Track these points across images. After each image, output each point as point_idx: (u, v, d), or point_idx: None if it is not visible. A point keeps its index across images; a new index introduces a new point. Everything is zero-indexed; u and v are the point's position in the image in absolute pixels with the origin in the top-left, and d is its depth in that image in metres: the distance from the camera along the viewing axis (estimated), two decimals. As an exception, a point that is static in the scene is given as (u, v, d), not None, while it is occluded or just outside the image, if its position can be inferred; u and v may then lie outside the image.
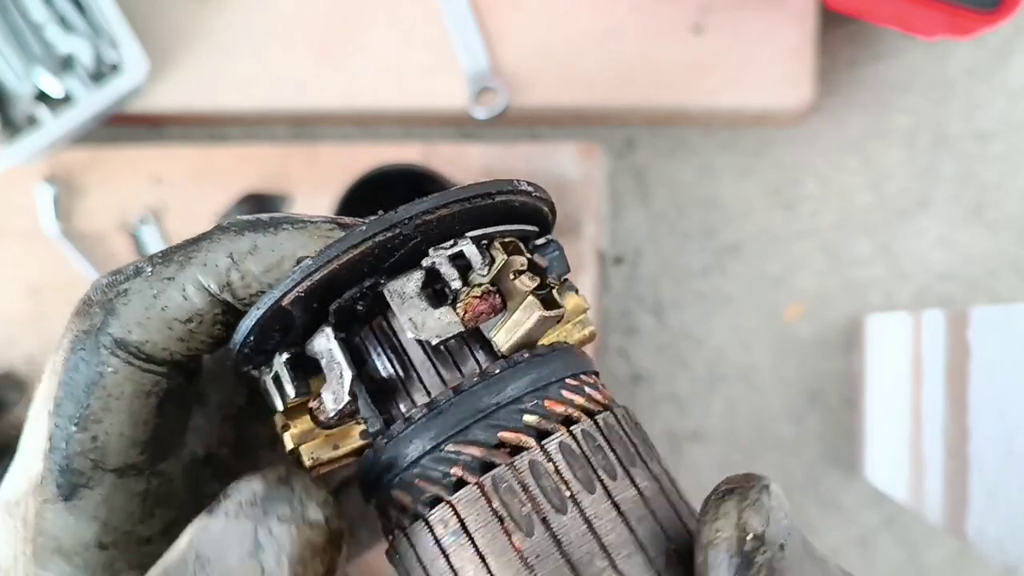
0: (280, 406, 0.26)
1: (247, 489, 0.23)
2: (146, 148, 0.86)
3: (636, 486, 0.25)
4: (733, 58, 0.81)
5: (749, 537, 0.22)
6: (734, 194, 0.88)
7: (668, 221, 0.89)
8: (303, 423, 0.27)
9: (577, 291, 0.29)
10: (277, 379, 0.26)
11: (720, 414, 0.88)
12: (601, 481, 0.24)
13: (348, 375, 0.25)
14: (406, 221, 0.25)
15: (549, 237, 0.30)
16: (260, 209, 0.83)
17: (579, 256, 0.79)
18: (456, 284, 0.26)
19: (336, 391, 0.26)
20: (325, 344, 0.26)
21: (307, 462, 0.27)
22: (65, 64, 0.81)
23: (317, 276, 0.25)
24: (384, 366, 0.27)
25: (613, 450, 0.25)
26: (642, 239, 0.89)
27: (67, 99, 0.82)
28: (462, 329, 0.25)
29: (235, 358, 0.26)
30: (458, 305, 0.26)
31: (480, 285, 0.26)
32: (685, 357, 0.89)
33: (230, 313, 0.26)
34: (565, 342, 0.28)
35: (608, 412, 0.26)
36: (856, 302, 0.87)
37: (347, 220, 0.27)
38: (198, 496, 0.27)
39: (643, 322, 0.89)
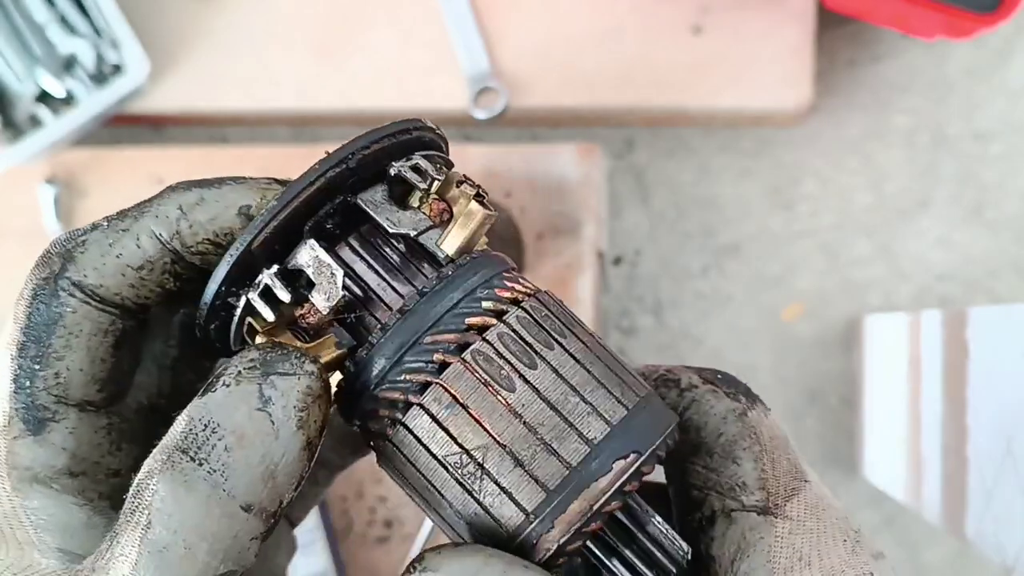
0: (272, 316, 0.29)
1: (244, 358, 0.25)
2: (147, 149, 0.87)
3: (581, 340, 0.30)
4: (732, 59, 0.81)
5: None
6: (733, 194, 0.88)
7: (667, 221, 0.89)
8: (285, 339, 0.29)
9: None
10: (266, 292, 0.29)
11: (720, 414, 0.88)
12: (556, 340, 0.29)
13: (339, 272, 0.29)
14: (350, 156, 0.30)
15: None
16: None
17: (579, 256, 0.79)
18: (423, 184, 0.31)
19: (329, 291, 0.29)
20: (310, 253, 0.29)
21: None
22: (66, 65, 0.82)
23: (283, 215, 0.28)
24: (347, 297, 0.30)
25: (556, 317, 0.30)
26: (642, 239, 0.89)
27: (68, 100, 0.82)
28: (432, 224, 0.31)
29: (208, 309, 0.29)
30: (423, 206, 0.31)
31: (433, 190, 0.31)
32: (684, 357, 0.89)
33: (179, 263, 0.28)
34: (487, 248, 0.32)
35: (542, 293, 0.31)
36: (855, 302, 0.87)
37: (282, 179, 0.31)
38: (154, 440, 0.28)
39: (642, 322, 0.89)
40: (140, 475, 0.24)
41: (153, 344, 0.31)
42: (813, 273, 0.88)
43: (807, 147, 0.88)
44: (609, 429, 0.28)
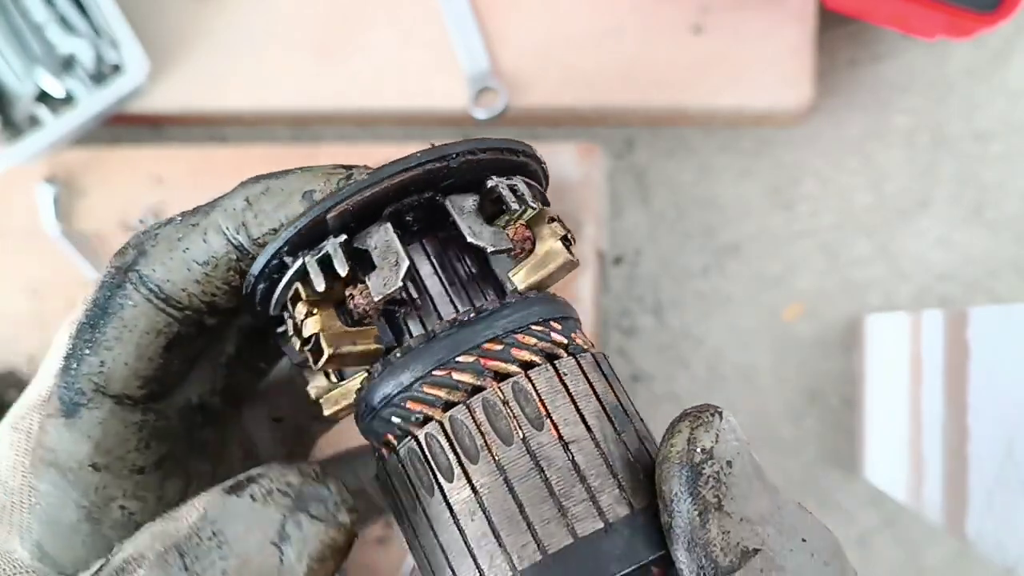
0: (323, 286, 0.27)
1: (280, 477, 0.23)
2: (146, 148, 0.87)
3: (610, 419, 0.27)
4: (733, 58, 0.81)
5: (698, 450, 0.24)
6: (734, 194, 0.88)
7: (668, 221, 0.89)
8: (327, 316, 0.28)
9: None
10: (325, 261, 0.27)
11: (720, 414, 0.88)
12: (579, 410, 0.26)
13: (405, 263, 0.27)
14: (454, 156, 0.28)
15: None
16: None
17: (579, 256, 0.79)
18: (516, 206, 0.29)
19: (388, 278, 0.27)
20: (383, 236, 0.28)
21: (326, 349, 0.27)
22: (66, 64, 0.82)
23: (369, 192, 0.27)
24: (403, 292, 0.28)
25: (591, 385, 0.27)
26: (642, 239, 0.89)
27: (68, 99, 0.82)
28: (510, 247, 0.29)
29: (264, 264, 0.28)
30: (509, 227, 0.29)
31: (524, 217, 0.29)
32: (685, 357, 0.89)
33: (243, 260, 0.28)
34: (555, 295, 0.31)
35: (588, 354, 0.28)
36: (855, 302, 0.87)
37: (350, 164, 0.30)
38: (190, 439, 0.29)
39: (643, 322, 0.89)
40: (130, 549, 0.23)
41: (211, 344, 0.31)
42: (813, 273, 0.88)
43: (807, 147, 0.88)
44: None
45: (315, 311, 0.28)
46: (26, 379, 0.85)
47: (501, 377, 0.27)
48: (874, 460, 0.82)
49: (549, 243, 0.30)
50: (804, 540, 0.24)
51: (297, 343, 0.28)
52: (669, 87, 0.82)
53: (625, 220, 0.89)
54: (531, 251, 0.30)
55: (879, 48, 0.87)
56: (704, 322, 0.88)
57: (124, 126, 0.89)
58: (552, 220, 0.31)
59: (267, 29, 0.84)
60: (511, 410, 0.26)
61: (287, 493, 0.23)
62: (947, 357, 0.65)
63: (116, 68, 0.82)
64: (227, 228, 0.28)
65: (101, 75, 0.82)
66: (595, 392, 0.27)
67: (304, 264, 0.27)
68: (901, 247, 0.87)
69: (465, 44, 0.82)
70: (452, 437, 0.26)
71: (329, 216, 0.27)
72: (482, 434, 0.26)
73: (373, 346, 0.28)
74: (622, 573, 0.24)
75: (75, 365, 0.26)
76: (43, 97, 0.82)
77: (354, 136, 0.89)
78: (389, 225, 0.28)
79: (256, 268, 0.28)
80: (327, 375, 0.30)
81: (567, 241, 0.31)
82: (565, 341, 0.29)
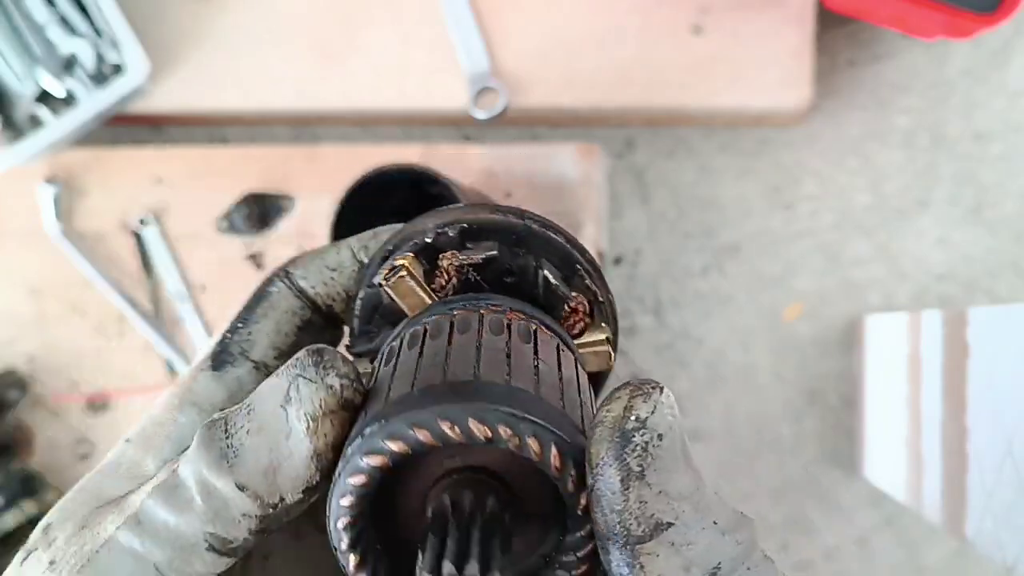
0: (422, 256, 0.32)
1: (296, 356, 0.28)
2: (147, 149, 0.87)
3: (561, 382, 0.28)
4: (732, 59, 0.81)
5: (632, 418, 0.24)
6: (733, 194, 0.88)
7: (668, 221, 0.89)
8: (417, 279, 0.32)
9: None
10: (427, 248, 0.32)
11: (719, 414, 0.89)
12: (537, 357, 0.28)
13: (494, 250, 0.32)
14: (556, 229, 0.32)
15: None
16: (261, 210, 0.83)
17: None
18: (589, 283, 0.31)
19: (473, 252, 0.32)
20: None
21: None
22: (67, 65, 0.82)
23: (469, 216, 0.31)
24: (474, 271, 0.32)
25: (559, 358, 0.29)
26: (642, 239, 0.89)
27: (68, 99, 0.82)
28: (575, 308, 0.31)
29: (380, 254, 0.33)
30: (564, 311, 0.31)
31: (582, 307, 0.31)
32: (684, 357, 0.89)
33: (358, 275, 0.35)
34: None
35: (571, 353, 0.30)
36: (855, 302, 0.87)
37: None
38: None
39: (642, 322, 0.89)
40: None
41: (333, 341, 0.37)
42: (813, 273, 0.88)
43: (807, 147, 0.88)
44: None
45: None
46: (26, 378, 0.85)
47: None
48: (874, 460, 0.82)
49: (598, 335, 0.32)
50: (716, 522, 0.25)
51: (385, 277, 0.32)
52: (669, 87, 0.82)
53: (625, 220, 0.89)
54: (581, 332, 0.32)
55: (879, 48, 0.87)
56: (704, 322, 0.88)
57: (125, 126, 0.89)
58: (606, 323, 0.32)
59: (267, 29, 0.84)
60: (481, 320, 0.29)
61: (295, 364, 0.27)
62: (946, 357, 0.65)
63: (117, 68, 0.82)
64: (354, 247, 0.35)
65: (102, 75, 0.82)
66: (560, 366, 0.29)
67: (415, 243, 0.32)
68: (901, 247, 0.87)
69: (465, 44, 0.82)
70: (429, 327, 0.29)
71: (443, 229, 0.31)
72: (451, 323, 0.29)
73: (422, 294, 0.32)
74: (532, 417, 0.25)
75: (231, 334, 0.34)
76: (44, 97, 0.82)
77: (354, 137, 0.89)
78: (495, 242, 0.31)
79: (375, 252, 0.34)
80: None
81: (612, 342, 0.32)
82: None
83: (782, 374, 0.88)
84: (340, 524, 0.25)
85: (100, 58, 0.82)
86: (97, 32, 0.82)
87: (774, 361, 0.88)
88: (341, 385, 0.27)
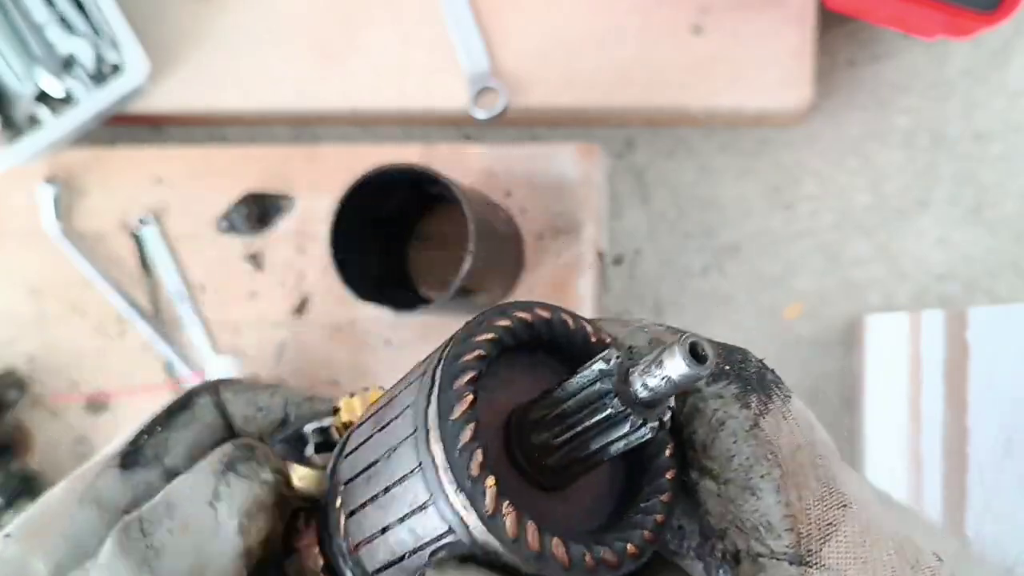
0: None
1: (220, 451, 0.28)
2: (147, 148, 0.87)
3: None
4: (732, 59, 0.81)
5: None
6: (733, 194, 0.88)
7: (668, 221, 0.89)
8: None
9: None
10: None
11: (719, 414, 0.89)
12: None
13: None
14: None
15: None
16: (260, 209, 0.83)
17: (579, 256, 0.79)
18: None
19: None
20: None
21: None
22: (66, 65, 0.82)
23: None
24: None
25: None
26: (642, 239, 0.89)
27: (68, 99, 0.82)
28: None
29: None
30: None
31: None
32: (685, 357, 0.89)
33: (286, 424, 0.35)
34: None
35: None
36: (855, 302, 0.87)
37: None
38: None
39: (643, 322, 0.89)
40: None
41: None
42: (813, 273, 0.88)
43: (807, 147, 0.88)
44: None
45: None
46: (25, 378, 0.85)
47: None
48: (874, 459, 0.82)
49: None
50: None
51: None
52: (669, 87, 0.82)
53: (625, 220, 0.89)
54: None
55: (879, 48, 0.87)
56: (704, 322, 0.88)
57: (124, 126, 0.89)
58: None
59: (267, 30, 0.84)
60: None
61: (221, 459, 0.27)
62: (946, 357, 0.65)
63: (116, 68, 0.82)
64: (289, 400, 0.34)
65: (101, 75, 0.82)
66: None
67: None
68: (901, 247, 0.87)
69: (465, 44, 0.82)
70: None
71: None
72: None
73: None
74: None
75: (146, 434, 0.32)
76: (43, 97, 0.82)
77: (354, 136, 0.89)
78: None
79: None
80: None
81: None
82: None
83: (782, 374, 0.88)
84: (463, 379, 0.25)
85: (99, 58, 0.82)
86: (96, 32, 0.82)
87: (774, 361, 0.88)
88: (276, 480, 0.27)
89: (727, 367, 0.28)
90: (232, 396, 0.34)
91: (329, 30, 0.84)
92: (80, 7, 0.82)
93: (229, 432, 0.34)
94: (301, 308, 0.83)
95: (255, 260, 0.84)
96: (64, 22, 0.82)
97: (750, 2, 0.80)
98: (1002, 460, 0.56)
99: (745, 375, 0.28)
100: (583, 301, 0.79)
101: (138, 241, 0.85)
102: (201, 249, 0.85)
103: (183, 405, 0.33)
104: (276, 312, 0.83)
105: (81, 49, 0.81)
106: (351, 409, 0.33)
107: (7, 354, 0.86)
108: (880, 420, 0.80)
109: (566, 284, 0.78)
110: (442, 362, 0.25)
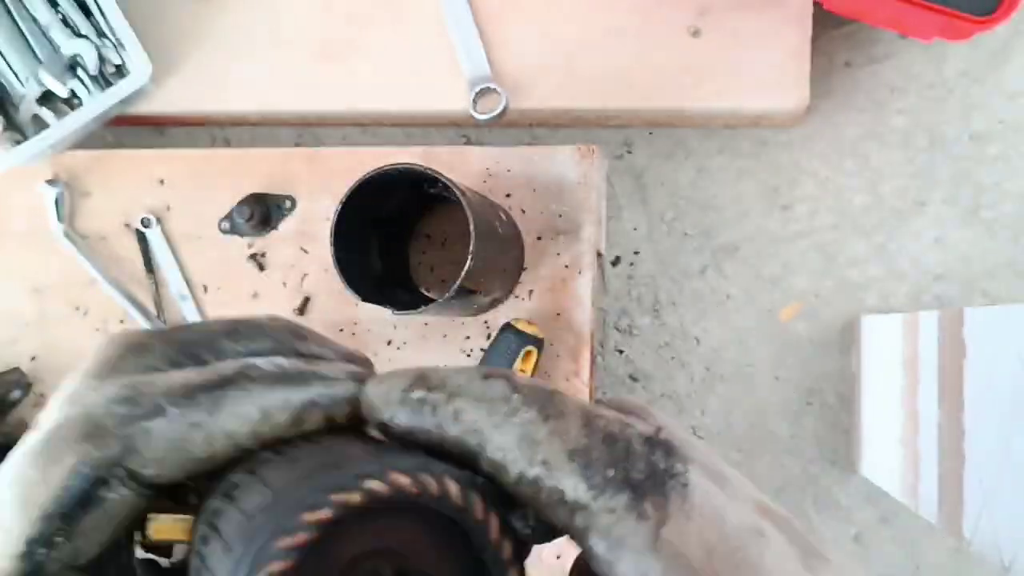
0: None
1: None
2: (149, 150, 0.87)
3: None
4: (731, 60, 0.81)
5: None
6: (731, 195, 0.89)
7: (666, 222, 0.89)
8: None
9: None
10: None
11: (717, 413, 0.89)
12: None
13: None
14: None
15: None
16: (262, 210, 0.84)
17: (578, 256, 0.80)
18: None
19: None
20: None
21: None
22: (69, 66, 0.82)
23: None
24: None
25: None
26: (640, 240, 0.89)
27: (71, 101, 0.82)
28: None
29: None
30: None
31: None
32: (683, 357, 0.89)
33: (242, 454, 0.26)
34: None
35: None
36: (852, 302, 0.88)
37: (358, 370, 0.27)
38: None
39: (641, 322, 0.89)
40: None
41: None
42: (811, 273, 0.88)
43: (805, 148, 0.88)
44: None
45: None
46: (29, 378, 0.86)
47: None
48: (871, 458, 0.82)
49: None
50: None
51: None
52: (667, 89, 0.82)
53: (624, 221, 0.89)
54: None
55: (876, 50, 0.88)
56: (702, 322, 0.89)
57: (127, 127, 0.90)
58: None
59: (270, 32, 0.85)
60: None
61: None
62: (943, 357, 0.65)
63: (119, 70, 0.83)
64: (238, 437, 0.25)
65: (104, 77, 0.83)
66: None
67: None
68: (898, 248, 0.87)
69: (465, 46, 0.82)
70: None
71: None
72: None
73: None
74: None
75: (44, 551, 0.24)
76: (46, 98, 0.82)
77: (356, 138, 0.89)
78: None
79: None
80: None
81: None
82: None
83: (780, 374, 0.88)
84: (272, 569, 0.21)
85: (102, 59, 0.82)
86: (100, 34, 0.82)
87: (772, 361, 0.88)
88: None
89: (610, 472, 0.23)
90: (154, 464, 0.25)
91: (330, 32, 0.84)
92: (83, 9, 0.82)
93: (159, 492, 0.26)
94: (303, 308, 0.83)
95: (257, 261, 0.84)
96: (67, 24, 0.82)
97: (748, 4, 0.81)
98: (999, 459, 0.56)
99: (633, 479, 0.24)
100: (582, 301, 0.79)
101: (141, 241, 0.85)
102: (203, 250, 0.85)
103: (81, 504, 0.25)
104: (278, 312, 0.83)
105: (84, 51, 0.82)
106: (162, 533, 0.26)
107: (10, 354, 0.86)
108: (877, 420, 0.81)
109: (565, 284, 0.79)
110: (253, 542, 0.22)
